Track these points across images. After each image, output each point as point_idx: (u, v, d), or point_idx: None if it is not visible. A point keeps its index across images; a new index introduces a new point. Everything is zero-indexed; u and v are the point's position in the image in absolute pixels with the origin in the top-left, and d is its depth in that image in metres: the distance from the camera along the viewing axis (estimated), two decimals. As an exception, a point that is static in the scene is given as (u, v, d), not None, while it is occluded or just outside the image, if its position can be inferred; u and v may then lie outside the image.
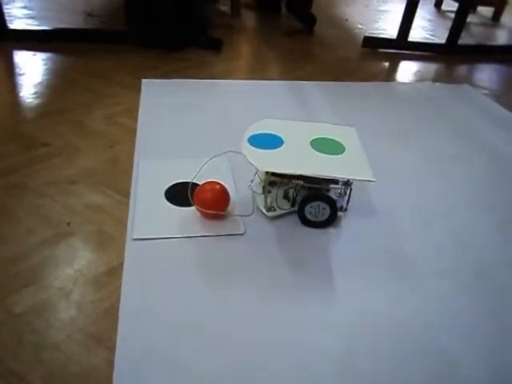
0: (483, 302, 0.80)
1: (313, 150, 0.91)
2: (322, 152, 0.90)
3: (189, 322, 0.71)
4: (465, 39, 2.24)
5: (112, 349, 0.66)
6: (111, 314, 0.71)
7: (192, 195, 0.90)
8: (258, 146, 0.89)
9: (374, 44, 2.13)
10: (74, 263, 0.80)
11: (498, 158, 1.26)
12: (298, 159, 0.88)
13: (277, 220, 0.93)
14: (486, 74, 2.01)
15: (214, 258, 0.83)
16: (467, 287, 0.83)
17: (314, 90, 1.59)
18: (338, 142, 0.95)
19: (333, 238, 0.90)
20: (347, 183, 0.92)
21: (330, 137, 0.97)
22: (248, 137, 0.92)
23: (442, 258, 0.89)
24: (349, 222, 0.95)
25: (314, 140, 0.94)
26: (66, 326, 0.69)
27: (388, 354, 0.69)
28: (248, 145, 0.90)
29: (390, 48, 2.12)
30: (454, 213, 1.02)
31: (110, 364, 0.64)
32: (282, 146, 0.91)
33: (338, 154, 0.91)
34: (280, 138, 0.93)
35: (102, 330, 0.69)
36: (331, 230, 0.92)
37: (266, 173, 0.89)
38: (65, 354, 0.65)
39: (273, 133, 0.95)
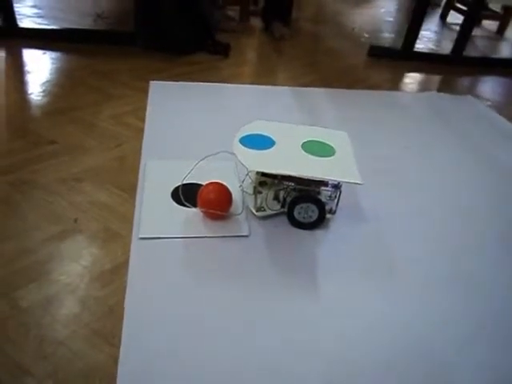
0: (475, 311, 0.80)
1: (303, 151, 0.92)
2: (312, 154, 0.91)
3: (192, 320, 0.71)
4: (469, 51, 2.26)
5: (117, 346, 0.66)
6: (116, 311, 0.71)
7: (194, 196, 0.91)
8: (249, 147, 0.90)
9: (379, 53, 2.15)
10: (80, 260, 0.81)
11: (499, 169, 1.27)
12: (288, 160, 0.88)
13: (264, 221, 0.94)
14: (490, 86, 2.02)
15: (218, 258, 0.84)
16: (458, 295, 0.83)
17: (318, 96, 1.60)
18: (328, 145, 0.96)
19: (320, 240, 0.91)
20: (337, 186, 0.93)
21: (322, 140, 0.98)
22: (240, 137, 0.94)
23: (431, 265, 0.89)
24: (337, 225, 0.96)
25: (305, 142, 0.95)
26: (72, 322, 0.69)
27: (378, 357, 0.70)
28: (239, 145, 0.91)
29: (395, 57, 2.14)
30: (448, 221, 1.03)
31: (115, 361, 0.64)
32: (273, 147, 0.92)
33: (327, 156, 0.92)
34: (271, 140, 0.94)
35: (107, 327, 0.69)
36: (319, 232, 0.93)
37: (257, 173, 0.91)
38: (70, 349, 0.66)
39: (265, 134, 0.96)
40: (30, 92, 1.41)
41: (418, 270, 0.87)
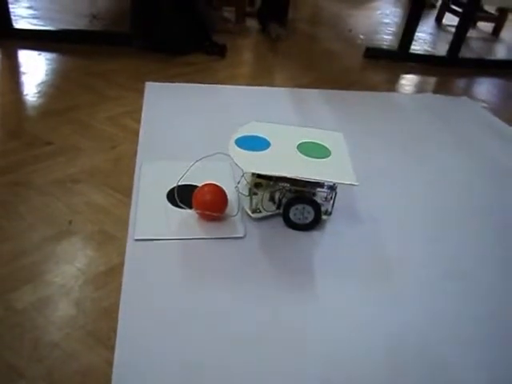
0: (472, 311, 0.81)
1: (299, 153, 0.92)
2: (307, 155, 0.92)
3: (187, 322, 0.71)
4: (465, 53, 2.27)
5: (111, 348, 0.66)
6: (111, 313, 0.71)
7: (190, 197, 0.91)
8: (244, 148, 0.91)
9: (375, 54, 2.15)
10: (75, 261, 0.80)
11: (495, 170, 1.28)
12: (283, 161, 0.89)
13: (259, 222, 0.94)
14: (485, 88, 2.03)
15: (213, 260, 0.84)
16: (455, 295, 0.84)
17: (314, 97, 1.61)
18: (324, 147, 0.96)
19: (316, 241, 0.91)
20: (332, 187, 0.93)
21: (317, 141, 0.98)
22: (235, 139, 0.94)
23: (428, 266, 0.89)
24: (333, 226, 0.96)
25: (300, 144, 0.95)
26: (66, 324, 0.69)
27: (375, 357, 0.70)
28: (235, 146, 0.91)
29: (391, 59, 2.14)
30: (445, 222, 1.03)
31: (109, 363, 0.64)
32: (269, 149, 0.92)
33: (323, 157, 0.92)
34: (267, 141, 0.94)
35: (102, 329, 0.69)
36: (315, 233, 0.93)
37: (252, 174, 0.91)
38: (64, 351, 0.65)
39: (260, 135, 0.96)
40: (25, 93, 1.40)
41: (414, 271, 0.88)
